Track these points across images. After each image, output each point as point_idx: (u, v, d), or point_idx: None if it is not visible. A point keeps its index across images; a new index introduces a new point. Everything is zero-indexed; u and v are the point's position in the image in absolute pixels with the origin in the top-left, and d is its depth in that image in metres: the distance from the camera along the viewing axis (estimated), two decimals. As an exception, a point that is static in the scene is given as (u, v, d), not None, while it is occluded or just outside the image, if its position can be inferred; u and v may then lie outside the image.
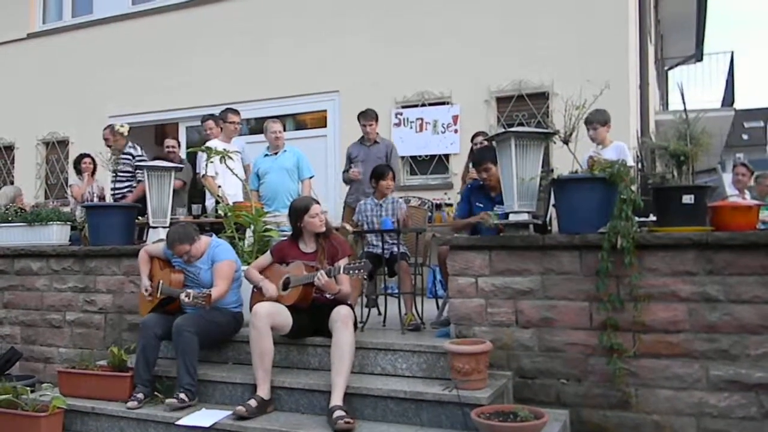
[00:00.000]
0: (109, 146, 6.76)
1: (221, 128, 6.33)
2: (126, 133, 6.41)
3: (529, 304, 3.80)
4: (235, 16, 8.81)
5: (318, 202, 4.24)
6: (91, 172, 7.03)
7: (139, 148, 6.57)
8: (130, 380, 4.11)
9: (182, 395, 3.89)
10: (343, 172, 6.35)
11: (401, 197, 6.00)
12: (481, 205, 4.52)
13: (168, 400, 3.88)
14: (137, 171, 6.39)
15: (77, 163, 7.24)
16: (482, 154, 4.64)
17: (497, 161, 4.26)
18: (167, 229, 5.25)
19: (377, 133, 6.30)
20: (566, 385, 3.71)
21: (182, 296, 4.06)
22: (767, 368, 3.34)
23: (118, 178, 6.55)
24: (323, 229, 4.14)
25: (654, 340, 3.54)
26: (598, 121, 5.07)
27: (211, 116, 6.62)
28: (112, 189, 6.58)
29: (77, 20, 10.13)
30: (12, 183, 9.86)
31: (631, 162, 4.97)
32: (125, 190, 6.57)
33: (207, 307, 4.05)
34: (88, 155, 7.09)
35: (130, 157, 6.51)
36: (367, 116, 6.23)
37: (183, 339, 3.95)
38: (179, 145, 7.65)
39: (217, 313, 4.21)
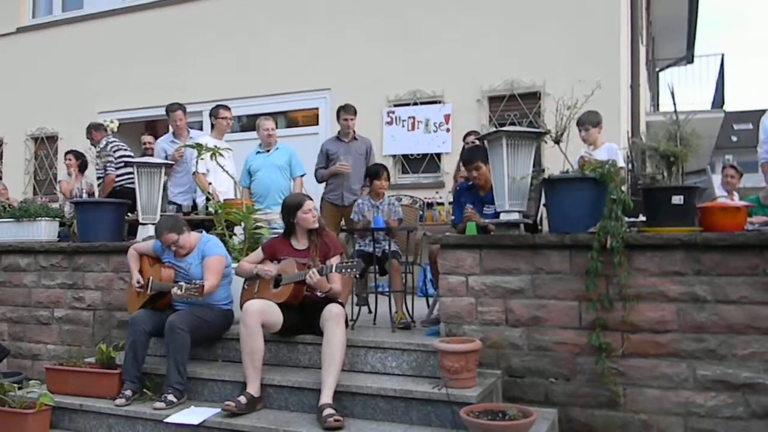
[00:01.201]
0: (92, 145, 6.76)
1: (212, 124, 6.28)
2: (116, 129, 6.38)
3: (519, 303, 3.81)
4: (228, 12, 8.77)
5: (311, 199, 4.23)
6: (78, 168, 6.98)
7: (102, 143, 6.53)
8: (119, 377, 4.09)
9: (170, 396, 3.87)
10: (318, 168, 6.22)
11: (392, 195, 6.00)
12: (471, 206, 4.53)
13: (156, 404, 3.84)
14: (107, 164, 6.40)
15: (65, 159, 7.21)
16: (472, 153, 4.64)
17: (486, 160, 4.28)
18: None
19: (354, 130, 6.26)
20: (555, 384, 3.73)
21: (174, 289, 4.04)
22: (754, 368, 3.37)
23: (98, 174, 6.61)
24: (316, 225, 4.13)
25: (642, 340, 3.56)
26: (590, 122, 5.09)
27: (180, 106, 6.35)
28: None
29: (67, 15, 10.07)
30: (0, 178, 9.78)
31: (621, 163, 4.99)
32: (99, 187, 6.60)
33: (200, 298, 4.03)
34: (72, 152, 7.04)
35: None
36: (348, 110, 6.17)
37: (176, 337, 3.93)
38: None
39: (208, 310, 4.20)
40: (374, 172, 5.18)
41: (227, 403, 3.66)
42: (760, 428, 3.35)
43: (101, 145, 6.53)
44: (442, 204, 7.05)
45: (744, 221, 3.69)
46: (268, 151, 6.09)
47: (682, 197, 3.61)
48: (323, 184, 6.27)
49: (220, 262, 4.25)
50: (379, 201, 5.11)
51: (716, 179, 6.73)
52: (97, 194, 6.60)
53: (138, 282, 4.32)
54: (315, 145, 7.76)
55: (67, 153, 7.09)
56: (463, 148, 6.27)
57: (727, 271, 3.44)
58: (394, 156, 7.79)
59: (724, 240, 3.43)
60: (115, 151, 6.49)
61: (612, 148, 5.12)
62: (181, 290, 4.00)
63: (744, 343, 3.40)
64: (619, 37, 7.02)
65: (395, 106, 7.79)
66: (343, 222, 6.14)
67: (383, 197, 5.16)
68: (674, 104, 4.02)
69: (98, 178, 6.64)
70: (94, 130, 6.79)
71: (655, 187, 3.80)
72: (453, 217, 4.80)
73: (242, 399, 3.68)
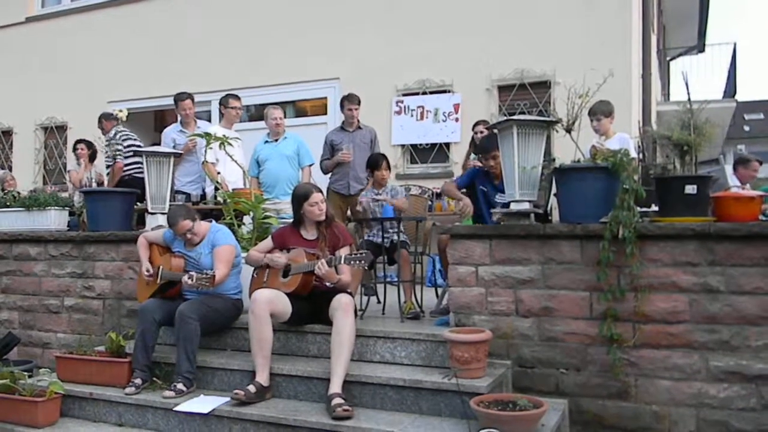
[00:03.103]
0: (103, 134, 6.78)
1: (221, 113, 6.26)
2: (124, 119, 6.38)
3: (530, 294, 3.78)
4: (237, 2, 8.74)
5: (320, 190, 4.21)
6: (89, 158, 7.00)
7: (113, 132, 6.54)
8: (129, 366, 4.10)
9: (180, 385, 3.88)
10: (323, 160, 6.21)
11: (401, 185, 5.98)
12: (485, 189, 4.52)
13: (166, 392, 3.85)
14: (116, 153, 6.41)
15: (75, 148, 7.22)
16: (489, 142, 4.60)
17: None
18: (166, 215, 5.25)
19: (359, 119, 6.22)
20: (565, 374, 3.70)
21: (185, 278, 4.04)
22: (767, 359, 3.33)
23: (106, 163, 6.64)
24: (323, 217, 4.11)
25: (654, 331, 3.53)
26: (602, 112, 5.04)
27: (188, 95, 6.31)
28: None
29: (76, 4, 10.07)
30: (11, 168, 9.83)
31: (633, 153, 4.94)
32: (107, 176, 6.62)
33: (211, 289, 4.03)
34: (83, 141, 7.06)
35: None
36: (352, 99, 6.13)
37: (186, 326, 3.93)
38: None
39: (218, 299, 4.20)
40: (374, 162, 5.17)
41: (236, 391, 3.66)
42: (773, 420, 3.32)
43: (111, 135, 6.54)
44: (450, 194, 7.01)
45: (758, 211, 3.64)
46: (276, 140, 6.06)
47: (695, 187, 3.57)
48: (329, 174, 6.24)
49: (230, 252, 4.25)
50: (382, 190, 5.10)
51: (729, 169, 6.66)
52: (106, 183, 6.62)
53: (148, 271, 4.32)
54: (323, 134, 7.75)
55: (78, 142, 7.11)
56: (473, 137, 6.24)
57: (741, 261, 3.39)
58: (402, 146, 7.76)
59: (738, 230, 3.39)
60: (124, 140, 6.49)
61: (624, 138, 5.07)
62: (192, 280, 3.99)
63: (757, 334, 3.36)
64: (630, 26, 6.94)
65: (404, 95, 7.75)
66: (349, 212, 6.12)
67: (386, 186, 5.15)
68: (688, 92, 3.96)
69: (107, 167, 6.65)
70: (105, 120, 6.81)
71: (668, 177, 3.76)
72: (457, 180, 4.79)
73: (251, 388, 3.68)
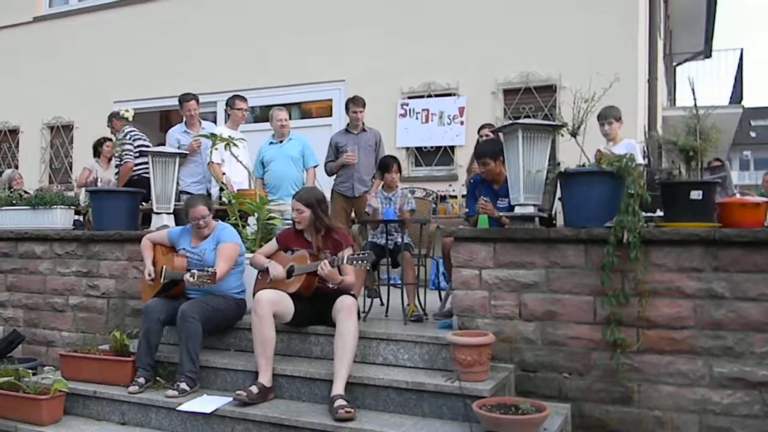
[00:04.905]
0: (113, 133, 6.80)
1: (228, 114, 6.28)
2: (130, 118, 6.40)
3: (533, 298, 3.78)
4: (243, 3, 8.77)
5: (303, 202, 4.16)
6: (109, 157, 7.05)
7: (123, 132, 6.57)
8: (132, 365, 4.11)
9: (183, 385, 3.88)
10: (328, 161, 6.21)
11: (405, 188, 5.98)
12: (486, 198, 4.50)
13: (169, 392, 3.86)
14: (124, 153, 6.43)
15: (98, 146, 7.20)
16: (482, 148, 4.61)
17: (496, 156, 4.25)
18: (171, 215, 5.28)
19: (363, 122, 6.22)
20: (568, 379, 3.70)
21: (187, 276, 4.04)
22: (771, 366, 3.33)
23: (116, 162, 6.68)
24: (301, 226, 4.11)
25: (658, 336, 3.52)
26: (613, 116, 5.03)
27: (193, 96, 6.32)
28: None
29: (84, 4, 10.11)
30: (17, 167, 9.86)
31: (640, 159, 4.93)
32: (115, 175, 6.64)
33: (213, 286, 4.04)
34: (109, 139, 7.08)
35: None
36: (357, 102, 6.13)
37: (188, 326, 3.94)
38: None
39: (221, 299, 4.21)
40: (385, 165, 5.18)
41: (239, 392, 3.67)
42: (776, 427, 3.31)
43: (122, 134, 6.56)
44: (455, 197, 7.04)
45: (764, 217, 3.63)
46: (280, 141, 6.08)
47: (700, 192, 3.56)
48: (335, 176, 6.25)
49: (234, 250, 4.26)
50: (392, 193, 5.10)
51: (735, 175, 6.63)
52: (114, 183, 6.64)
53: (149, 274, 4.34)
54: (328, 136, 7.76)
55: (106, 140, 7.10)
56: (478, 141, 6.24)
57: (746, 267, 3.38)
58: (407, 148, 7.76)
59: (743, 236, 3.38)
60: (134, 140, 6.52)
61: (631, 143, 5.06)
62: (194, 277, 4.00)
63: (762, 341, 3.35)
64: (637, 31, 6.94)
65: (409, 98, 7.76)
66: (353, 214, 6.13)
67: (396, 189, 5.15)
68: (694, 98, 3.95)
69: (116, 166, 6.67)
70: (115, 119, 6.83)
71: (673, 182, 3.75)
72: (467, 210, 4.77)
73: (254, 389, 3.68)
